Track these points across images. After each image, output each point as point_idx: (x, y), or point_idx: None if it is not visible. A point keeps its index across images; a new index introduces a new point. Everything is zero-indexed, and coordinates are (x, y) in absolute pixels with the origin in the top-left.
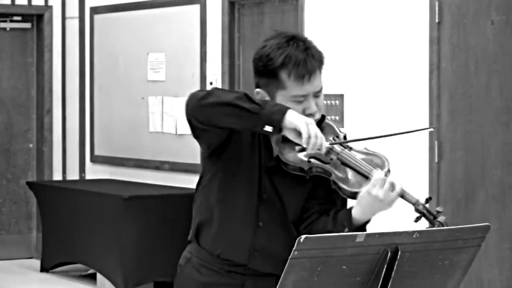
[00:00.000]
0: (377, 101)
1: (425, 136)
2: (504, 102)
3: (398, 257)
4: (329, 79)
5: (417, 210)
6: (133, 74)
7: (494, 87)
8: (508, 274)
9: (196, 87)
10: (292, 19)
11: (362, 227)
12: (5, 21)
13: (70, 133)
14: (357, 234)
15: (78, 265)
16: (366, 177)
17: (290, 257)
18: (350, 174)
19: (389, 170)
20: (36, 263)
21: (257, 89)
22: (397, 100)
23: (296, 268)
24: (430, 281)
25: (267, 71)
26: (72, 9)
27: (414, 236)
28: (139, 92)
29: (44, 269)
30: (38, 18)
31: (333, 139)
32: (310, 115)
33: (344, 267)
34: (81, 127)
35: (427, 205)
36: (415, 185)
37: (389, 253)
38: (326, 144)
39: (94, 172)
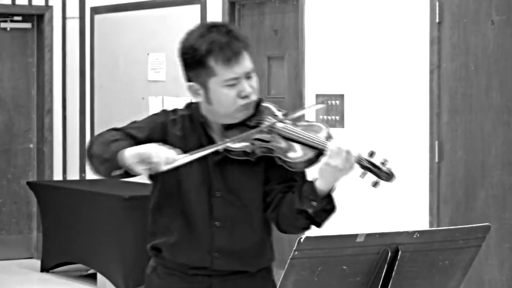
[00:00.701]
0: (377, 101)
1: (425, 136)
2: (504, 102)
3: (399, 257)
4: (329, 79)
5: (361, 166)
6: (133, 74)
7: (494, 87)
8: (508, 274)
9: None
10: (292, 19)
11: (328, 196)
12: (5, 21)
13: (71, 133)
14: (357, 234)
15: (78, 265)
16: (309, 146)
17: (290, 257)
18: (294, 147)
19: (330, 136)
20: (37, 263)
21: (189, 83)
22: (397, 100)
23: (296, 268)
24: (430, 281)
25: (194, 62)
26: (73, 9)
27: (415, 236)
28: (139, 92)
29: (44, 269)
30: (38, 18)
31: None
32: (246, 97)
33: (345, 267)
34: (82, 127)
35: (371, 159)
36: (415, 185)
37: (390, 253)
38: (178, 156)
39: None
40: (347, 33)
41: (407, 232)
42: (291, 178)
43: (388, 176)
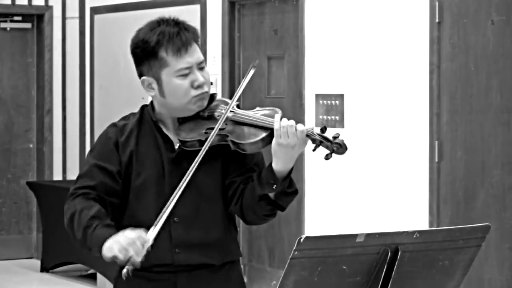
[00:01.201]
0: (377, 101)
1: (425, 136)
2: (504, 102)
3: (398, 257)
4: (329, 79)
5: (313, 141)
6: (133, 74)
7: (494, 87)
8: (508, 274)
9: None
10: (292, 19)
11: (287, 177)
12: (5, 21)
13: (71, 133)
14: (357, 234)
15: (78, 265)
16: (261, 127)
17: (290, 257)
18: (245, 130)
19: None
20: (36, 263)
21: (142, 78)
22: (397, 100)
23: (296, 268)
24: (430, 281)
25: (145, 54)
26: (73, 9)
27: (414, 236)
28: (139, 92)
29: (44, 269)
30: (38, 18)
31: (224, 108)
32: (199, 86)
33: (344, 267)
34: (81, 127)
35: (324, 134)
36: (415, 185)
37: (389, 253)
38: (147, 245)
39: None
40: (347, 33)
41: (407, 232)
42: (251, 169)
43: (340, 147)
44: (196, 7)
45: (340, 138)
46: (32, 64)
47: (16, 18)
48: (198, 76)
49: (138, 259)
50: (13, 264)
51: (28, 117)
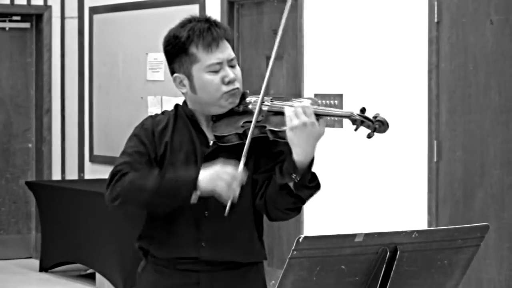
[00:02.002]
0: (376, 100)
1: (424, 135)
2: (503, 102)
3: (397, 257)
4: (328, 79)
5: (353, 121)
6: (132, 74)
7: (493, 87)
8: (507, 273)
9: None
10: (291, 19)
11: (308, 170)
12: (4, 21)
13: (69, 133)
14: (356, 234)
15: (77, 265)
16: None
17: (289, 257)
18: (282, 118)
19: (318, 105)
20: (35, 263)
21: (174, 75)
22: (396, 100)
23: (295, 267)
24: (429, 281)
25: (177, 50)
26: (71, 9)
27: (413, 236)
28: (138, 92)
29: (43, 269)
30: (37, 18)
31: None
32: (230, 82)
33: (343, 267)
34: (80, 127)
35: (364, 114)
36: (414, 184)
37: (388, 253)
38: (241, 170)
39: (93, 172)
40: (346, 33)
41: (405, 232)
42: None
43: (382, 124)
44: (195, 7)
45: (381, 116)
46: (31, 64)
47: (15, 17)
48: (229, 72)
49: (237, 195)
50: (12, 264)
51: (27, 117)
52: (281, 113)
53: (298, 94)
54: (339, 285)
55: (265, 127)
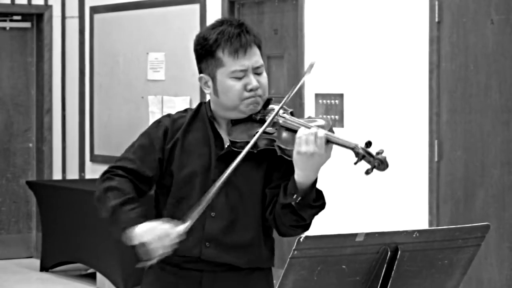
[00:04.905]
0: (377, 100)
1: (424, 135)
2: (504, 102)
3: (398, 256)
4: (329, 79)
5: (356, 154)
6: (132, 73)
7: (493, 87)
8: (507, 273)
9: (196, 86)
10: (292, 19)
11: (310, 190)
12: (5, 21)
13: (70, 133)
14: (357, 234)
15: (78, 265)
16: None
17: (289, 256)
18: (293, 136)
19: (331, 129)
20: (36, 262)
21: (200, 75)
22: (397, 100)
23: (295, 267)
24: (430, 281)
25: (204, 52)
26: (72, 8)
27: (414, 235)
28: (138, 91)
29: (44, 268)
30: (38, 18)
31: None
32: (251, 90)
33: (344, 266)
34: (81, 126)
35: (368, 149)
36: (415, 184)
37: (389, 253)
38: (179, 239)
39: (93, 171)
40: (346, 33)
41: (406, 232)
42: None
43: (381, 163)
44: (196, 7)
45: (384, 154)
46: (31, 64)
47: (15, 17)
48: (252, 80)
49: (167, 253)
50: (12, 263)
51: (27, 117)
52: (294, 131)
53: (299, 94)
54: (340, 284)
55: (274, 141)
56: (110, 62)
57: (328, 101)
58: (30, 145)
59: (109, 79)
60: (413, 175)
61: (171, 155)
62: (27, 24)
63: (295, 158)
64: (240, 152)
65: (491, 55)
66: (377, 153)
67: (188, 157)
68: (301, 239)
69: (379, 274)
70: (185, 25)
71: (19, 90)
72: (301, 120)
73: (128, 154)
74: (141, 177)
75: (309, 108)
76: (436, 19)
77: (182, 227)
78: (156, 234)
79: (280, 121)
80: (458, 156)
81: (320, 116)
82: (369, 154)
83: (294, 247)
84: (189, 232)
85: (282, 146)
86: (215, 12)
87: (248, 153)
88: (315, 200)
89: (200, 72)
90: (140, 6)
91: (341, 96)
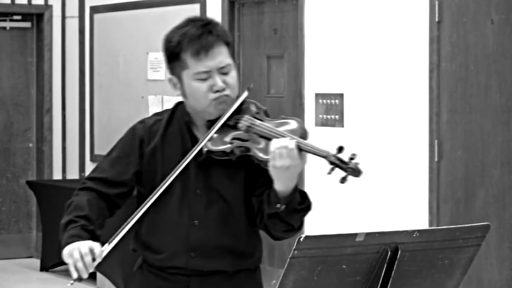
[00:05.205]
0: (377, 100)
1: (425, 135)
2: (504, 101)
3: (398, 256)
4: (328, 78)
5: (330, 162)
6: (133, 73)
7: (494, 86)
8: (508, 273)
9: None
10: (292, 19)
11: (293, 196)
12: (5, 20)
13: (70, 133)
14: (357, 234)
15: None
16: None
17: (289, 256)
18: (266, 144)
19: (304, 132)
20: (36, 262)
21: (169, 76)
22: (397, 99)
23: (295, 267)
24: (430, 281)
25: (169, 54)
26: (72, 8)
27: (414, 235)
28: (139, 91)
29: (44, 268)
30: (38, 18)
31: (253, 117)
32: (217, 91)
33: (344, 266)
34: (81, 126)
35: (339, 155)
36: (415, 184)
37: (389, 253)
38: (97, 262)
39: None
40: (346, 32)
41: (406, 231)
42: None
43: (353, 171)
44: (196, 7)
45: (355, 160)
46: (31, 64)
47: (15, 17)
48: (217, 81)
49: (85, 274)
50: (12, 263)
51: (27, 117)
52: (267, 138)
53: (299, 94)
54: (340, 284)
55: (249, 149)
56: (110, 62)
57: (328, 101)
58: (30, 145)
59: (109, 79)
60: (413, 175)
61: (151, 165)
62: (27, 24)
63: (271, 171)
64: (218, 161)
65: (491, 55)
66: (350, 159)
67: (167, 165)
68: (301, 239)
69: (379, 274)
70: None
71: (19, 90)
72: (273, 127)
73: (103, 164)
74: (114, 183)
75: (309, 108)
76: (436, 19)
77: (99, 250)
78: (76, 256)
79: (253, 126)
80: (458, 156)
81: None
82: (342, 161)
83: (294, 247)
84: (175, 242)
85: (257, 157)
86: (215, 12)
87: (227, 160)
88: (300, 203)
89: (170, 72)
90: (140, 6)
91: (341, 96)
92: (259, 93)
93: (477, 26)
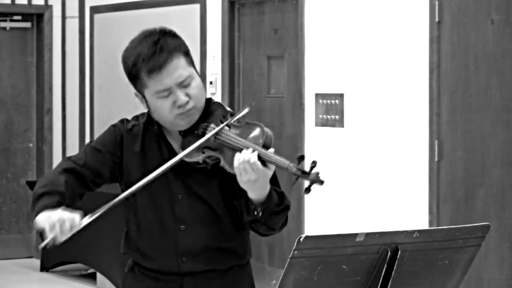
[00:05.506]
0: (377, 100)
1: (425, 135)
2: (504, 101)
3: (398, 256)
4: (329, 79)
5: (292, 174)
6: None
7: (494, 86)
8: (508, 273)
9: None
10: (292, 19)
11: (268, 201)
12: (5, 21)
13: (70, 133)
14: (357, 234)
15: (78, 265)
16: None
17: (290, 256)
18: (233, 155)
19: (267, 137)
20: (36, 262)
21: (134, 92)
22: (397, 100)
23: (296, 267)
24: (430, 281)
25: (128, 74)
26: (72, 8)
27: (414, 235)
28: None
29: (44, 268)
30: (38, 18)
31: (220, 121)
32: (180, 106)
33: (344, 266)
34: (81, 126)
35: (300, 166)
36: (415, 184)
37: (389, 253)
38: (82, 221)
39: None
40: (347, 33)
41: (406, 232)
42: None
43: (316, 181)
44: (196, 7)
45: (316, 169)
46: (31, 64)
47: (16, 17)
48: (179, 96)
49: (61, 238)
50: (13, 263)
51: (27, 117)
52: (232, 149)
53: (299, 94)
54: (340, 284)
55: (219, 160)
56: (110, 62)
57: (328, 101)
58: (31, 145)
59: (109, 79)
60: (413, 175)
61: (132, 167)
62: (27, 24)
63: (241, 185)
64: (195, 168)
65: (491, 55)
66: (311, 168)
67: (147, 170)
68: (302, 239)
69: (379, 274)
70: (185, 25)
71: (19, 90)
72: (237, 137)
73: (84, 150)
74: (92, 169)
75: (309, 108)
76: (436, 19)
77: (83, 220)
78: (54, 219)
79: (220, 136)
80: (458, 156)
81: (256, 122)
82: (303, 172)
83: (294, 247)
84: (165, 247)
85: (226, 168)
86: (215, 12)
87: (202, 168)
88: (279, 204)
89: (134, 88)
90: (140, 6)
91: (341, 96)
92: (259, 93)
93: (477, 26)
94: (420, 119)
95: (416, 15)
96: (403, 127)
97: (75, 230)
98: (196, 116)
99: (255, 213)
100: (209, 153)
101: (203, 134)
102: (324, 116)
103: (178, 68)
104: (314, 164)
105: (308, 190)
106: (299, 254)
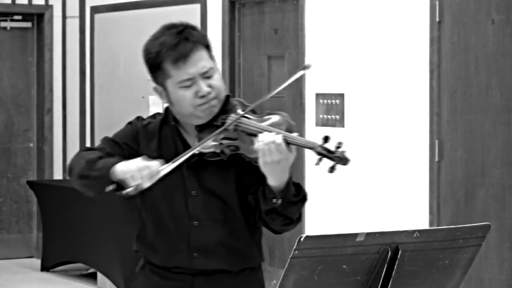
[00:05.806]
0: (377, 100)
1: (425, 135)
2: (504, 102)
3: (399, 256)
4: (329, 79)
5: (317, 153)
6: (133, 73)
7: (494, 87)
8: (508, 273)
9: None
10: (292, 19)
11: (287, 189)
12: (5, 20)
13: (71, 132)
14: (357, 234)
15: (79, 264)
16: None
17: (290, 256)
18: (253, 142)
19: (289, 125)
20: (37, 262)
21: (154, 85)
22: (398, 100)
23: (296, 267)
24: (430, 281)
25: (150, 65)
26: (73, 8)
27: (415, 235)
28: (139, 91)
29: (44, 268)
30: (38, 17)
31: (242, 110)
32: (203, 96)
33: (345, 266)
34: (82, 126)
35: (326, 145)
36: (415, 184)
37: (390, 253)
38: (161, 168)
39: None
40: (347, 33)
41: (407, 231)
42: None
43: (340, 160)
44: (196, 6)
45: (341, 149)
46: (32, 64)
47: (16, 17)
48: (202, 87)
49: (144, 185)
50: (13, 263)
51: (28, 116)
52: (255, 135)
53: (299, 94)
54: (340, 284)
55: (238, 148)
56: (111, 62)
57: (329, 101)
58: (31, 145)
59: (110, 79)
60: (413, 175)
61: None
62: (27, 24)
63: (263, 168)
64: (210, 161)
65: (492, 55)
66: (337, 147)
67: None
68: (302, 239)
69: (379, 274)
70: None
71: (19, 90)
72: (259, 123)
73: (101, 143)
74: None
75: (310, 108)
76: (437, 19)
77: (162, 167)
78: (137, 166)
79: (241, 124)
80: (458, 156)
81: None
82: (328, 151)
83: (294, 247)
84: (177, 242)
85: (247, 155)
86: (215, 12)
87: (219, 160)
88: (296, 195)
89: (154, 81)
90: (140, 6)
91: (341, 96)
92: (259, 93)
93: (478, 26)
94: (420, 119)
95: (416, 15)
96: (404, 127)
97: (157, 177)
98: (216, 109)
99: (274, 201)
100: (227, 143)
101: (222, 125)
102: (325, 116)
103: (202, 58)
104: (340, 144)
105: (332, 169)
106: (300, 254)
